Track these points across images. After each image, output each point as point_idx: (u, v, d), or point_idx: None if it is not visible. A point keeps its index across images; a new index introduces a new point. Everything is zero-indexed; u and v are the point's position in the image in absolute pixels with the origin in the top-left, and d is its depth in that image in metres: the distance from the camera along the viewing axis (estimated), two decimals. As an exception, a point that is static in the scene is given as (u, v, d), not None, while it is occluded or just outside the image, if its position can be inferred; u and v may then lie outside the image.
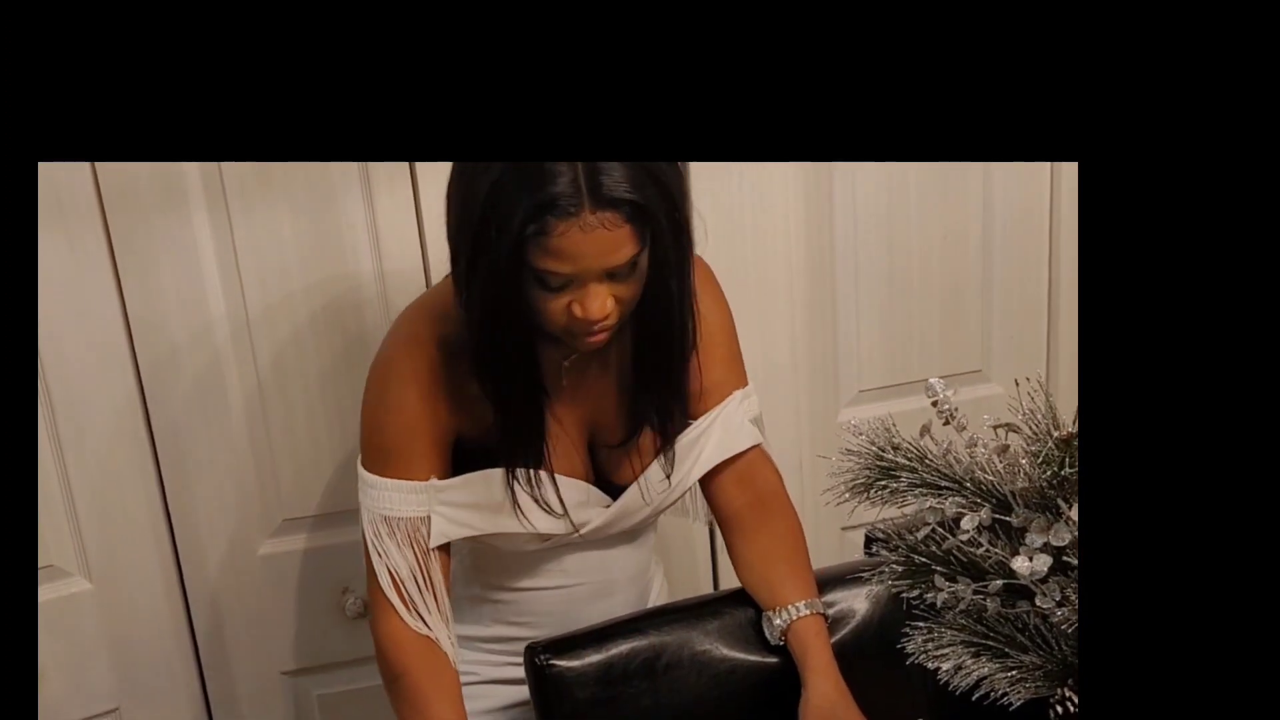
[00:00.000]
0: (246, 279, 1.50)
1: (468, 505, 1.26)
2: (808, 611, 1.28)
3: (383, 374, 1.26)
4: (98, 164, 1.42)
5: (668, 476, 1.31)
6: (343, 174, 1.49)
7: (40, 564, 1.48)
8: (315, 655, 1.65)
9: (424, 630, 1.25)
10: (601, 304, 1.13)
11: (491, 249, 1.10)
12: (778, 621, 1.28)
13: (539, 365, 1.23)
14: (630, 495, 1.31)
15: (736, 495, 1.36)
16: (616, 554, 1.39)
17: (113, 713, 1.58)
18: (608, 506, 1.31)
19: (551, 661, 1.29)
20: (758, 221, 1.69)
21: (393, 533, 1.25)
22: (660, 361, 1.25)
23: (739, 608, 1.35)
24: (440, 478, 1.25)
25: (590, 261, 1.10)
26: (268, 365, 1.53)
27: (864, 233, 1.75)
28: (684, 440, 1.32)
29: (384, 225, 1.52)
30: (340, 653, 1.66)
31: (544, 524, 1.27)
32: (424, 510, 1.25)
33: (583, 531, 1.30)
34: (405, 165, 1.52)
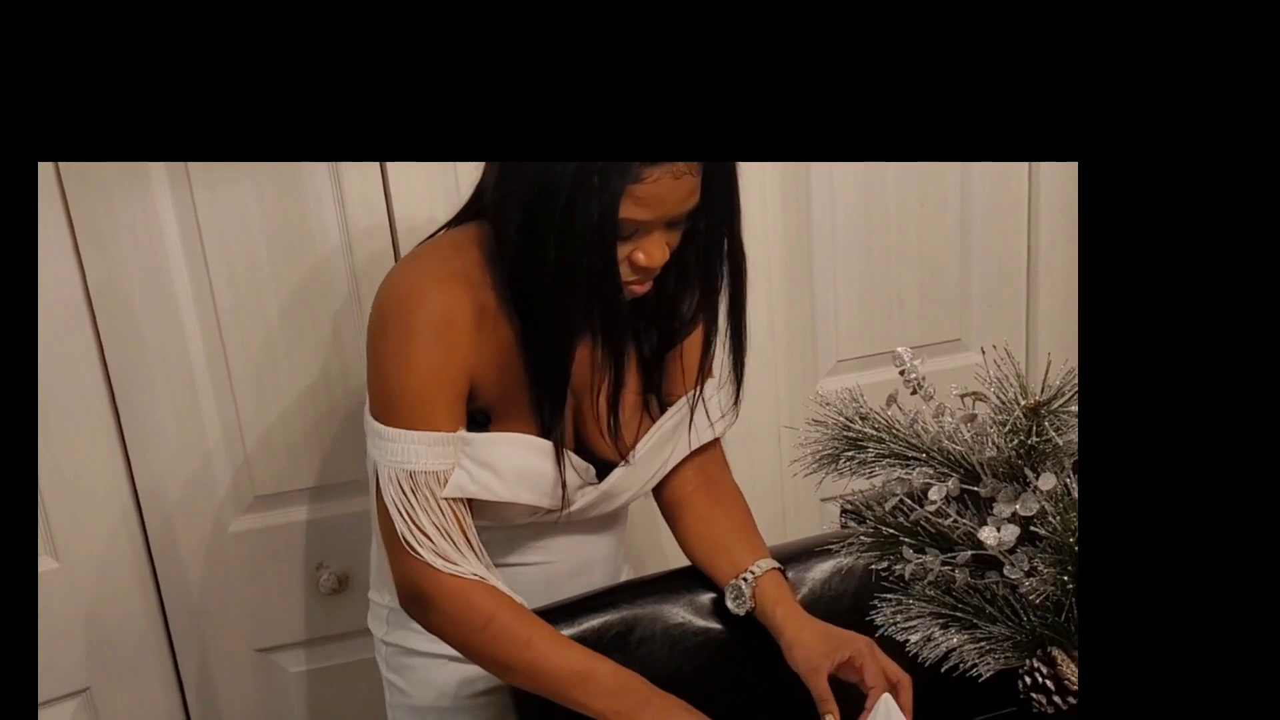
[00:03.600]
0: (210, 253, 1.48)
1: (492, 466, 1.21)
2: (767, 567, 1.27)
3: (401, 321, 1.20)
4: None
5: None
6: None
7: (4, 543, 1.46)
8: (290, 632, 1.64)
9: (477, 574, 1.19)
10: (663, 250, 1.16)
11: (582, 211, 1.10)
12: (743, 586, 1.27)
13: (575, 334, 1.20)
14: (617, 475, 1.30)
15: (692, 478, 1.36)
16: (595, 534, 1.38)
17: (83, 693, 1.57)
18: (594, 485, 1.29)
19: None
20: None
21: (416, 488, 1.19)
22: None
23: (709, 580, 1.35)
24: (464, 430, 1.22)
25: (671, 208, 1.14)
26: (235, 340, 1.51)
27: (841, 201, 1.74)
28: (668, 424, 1.31)
29: (350, 197, 1.50)
30: (315, 629, 1.65)
31: (548, 499, 1.25)
32: (450, 463, 1.19)
33: (572, 508, 1.28)
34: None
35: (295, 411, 1.55)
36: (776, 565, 1.28)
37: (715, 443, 1.37)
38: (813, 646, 1.20)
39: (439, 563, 1.18)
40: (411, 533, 1.18)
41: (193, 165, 1.44)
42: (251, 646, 1.63)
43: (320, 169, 1.49)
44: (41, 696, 1.53)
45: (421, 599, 1.20)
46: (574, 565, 1.37)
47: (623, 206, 1.10)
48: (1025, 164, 1.80)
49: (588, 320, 1.17)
